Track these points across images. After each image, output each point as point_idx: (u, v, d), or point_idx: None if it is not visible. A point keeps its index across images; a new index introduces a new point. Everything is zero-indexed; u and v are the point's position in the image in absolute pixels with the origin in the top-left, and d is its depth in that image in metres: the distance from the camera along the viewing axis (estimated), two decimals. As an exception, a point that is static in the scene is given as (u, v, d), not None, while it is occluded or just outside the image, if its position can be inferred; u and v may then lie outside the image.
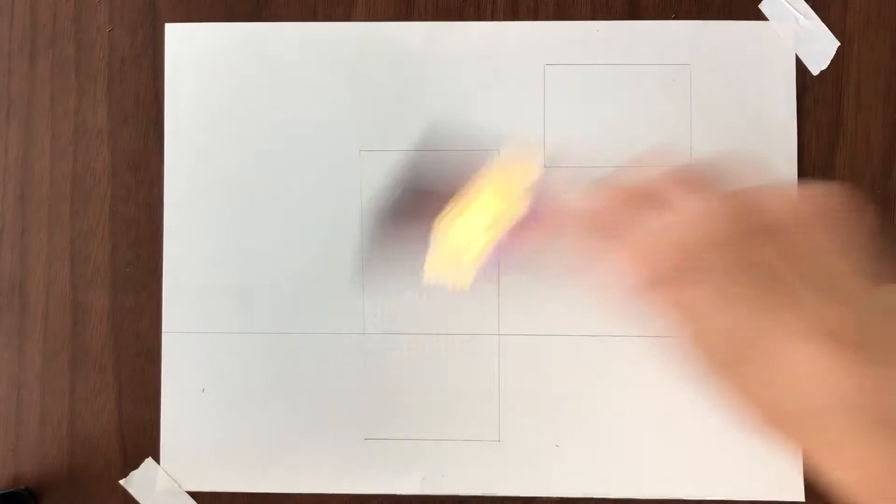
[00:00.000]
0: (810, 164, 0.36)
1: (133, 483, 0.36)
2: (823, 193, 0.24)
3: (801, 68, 0.36)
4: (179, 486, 0.36)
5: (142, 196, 0.37)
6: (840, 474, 0.21)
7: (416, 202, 0.35)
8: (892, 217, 0.36)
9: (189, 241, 0.37)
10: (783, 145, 0.36)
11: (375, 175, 0.36)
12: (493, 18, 0.36)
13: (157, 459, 0.36)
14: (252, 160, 0.37)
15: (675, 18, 0.36)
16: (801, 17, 0.36)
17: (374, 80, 0.36)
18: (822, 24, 0.36)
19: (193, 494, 0.36)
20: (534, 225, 0.32)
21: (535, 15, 0.36)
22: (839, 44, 0.36)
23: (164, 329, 0.37)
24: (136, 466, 0.37)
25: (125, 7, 0.37)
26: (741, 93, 0.36)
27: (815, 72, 0.36)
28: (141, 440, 0.37)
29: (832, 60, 0.36)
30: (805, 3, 0.36)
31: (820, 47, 0.36)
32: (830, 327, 0.21)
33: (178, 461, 0.36)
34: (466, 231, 0.32)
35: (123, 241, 0.37)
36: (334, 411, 0.36)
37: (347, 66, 0.37)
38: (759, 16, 0.36)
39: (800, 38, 0.36)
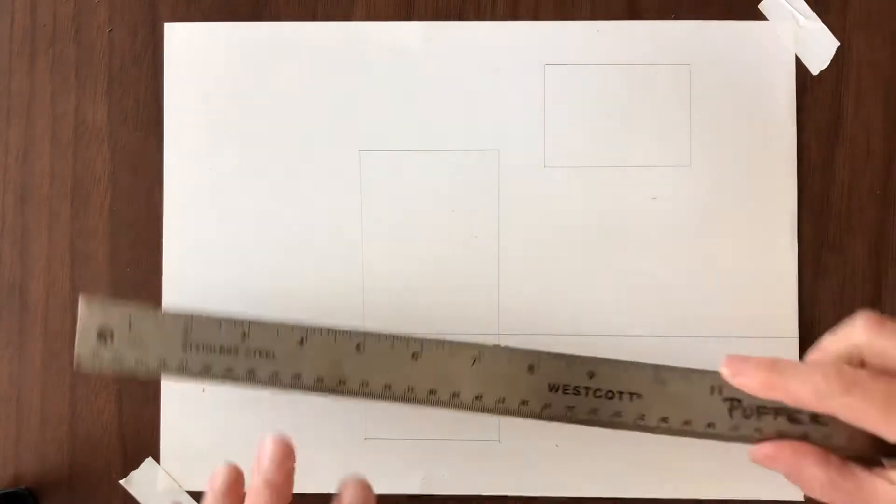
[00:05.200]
0: (810, 164, 0.36)
1: (133, 483, 0.36)
2: None
3: (801, 68, 0.36)
4: (179, 486, 0.36)
5: (142, 196, 0.37)
6: None
7: None
8: (892, 217, 0.36)
9: (189, 241, 0.37)
10: (783, 145, 0.36)
11: (375, 175, 0.36)
12: (493, 18, 0.36)
13: (157, 459, 0.36)
14: (252, 160, 0.37)
15: (675, 18, 0.36)
16: (801, 17, 0.36)
17: (374, 80, 0.36)
18: (822, 24, 0.36)
19: (193, 494, 0.36)
20: None
21: (535, 15, 0.36)
22: (839, 44, 0.36)
23: (164, 329, 0.37)
24: (136, 466, 0.37)
25: (125, 7, 0.37)
26: (741, 93, 0.36)
27: (814, 72, 0.36)
28: (141, 440, 0.37)
29: (832, 60, 0.36)
30: (805, 3, 0.36)
31: (820, 47, 0.36)
32: None
33: (178, 461, 0.36)
34: None
35: (123, 241, 0.37)
36: (334, 411, 0.36)
37: (347, 66, 0.36)
38: (759, 16, 0.36)
39: (800, 38, 0.36)
